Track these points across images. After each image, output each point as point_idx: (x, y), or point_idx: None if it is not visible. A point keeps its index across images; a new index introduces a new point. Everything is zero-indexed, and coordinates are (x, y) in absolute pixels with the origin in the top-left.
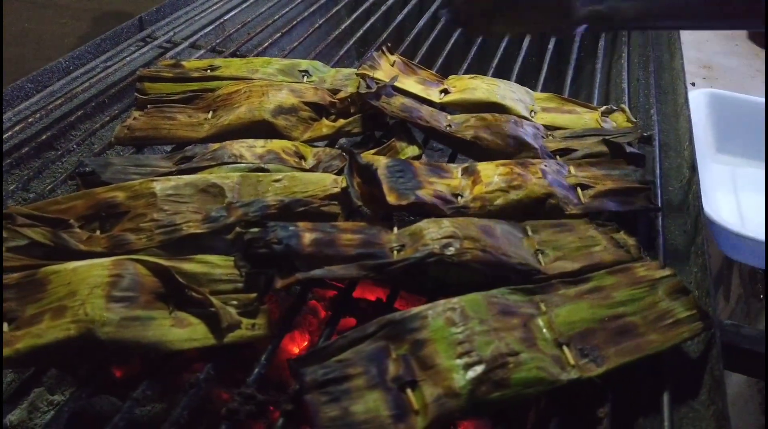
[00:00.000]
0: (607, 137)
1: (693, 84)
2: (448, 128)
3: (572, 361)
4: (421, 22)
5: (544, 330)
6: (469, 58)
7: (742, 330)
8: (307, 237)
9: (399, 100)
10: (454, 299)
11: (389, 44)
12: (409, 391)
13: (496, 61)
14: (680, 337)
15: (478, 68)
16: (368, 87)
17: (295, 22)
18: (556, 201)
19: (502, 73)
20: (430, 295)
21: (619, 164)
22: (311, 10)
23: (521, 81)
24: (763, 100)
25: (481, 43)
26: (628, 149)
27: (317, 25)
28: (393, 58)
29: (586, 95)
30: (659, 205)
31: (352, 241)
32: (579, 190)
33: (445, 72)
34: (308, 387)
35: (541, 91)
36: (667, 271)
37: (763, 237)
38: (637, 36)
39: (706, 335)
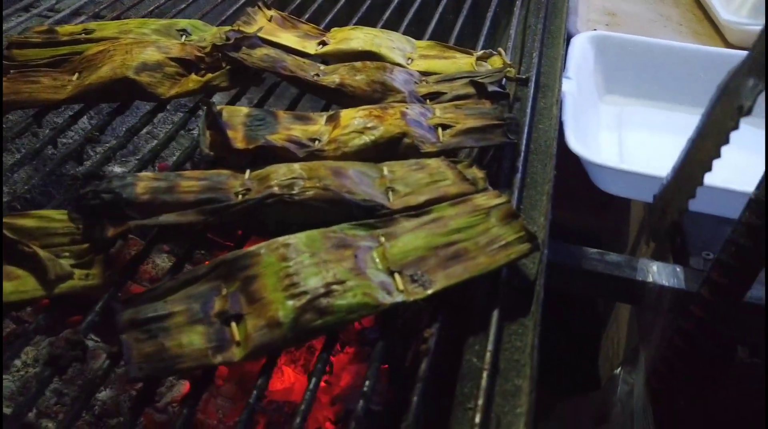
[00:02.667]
0: (473, 78)
1: (595, 29)
2: (315, 77)
3: (401, 287)
4: None
5: (377, 260)
6: (360, 11)
7: (606, 257)
8: (142, 185)
9: (261, 51)
10: (291, 236)
11: (265, 0)
12: (233, 324)
13: (410, 14)
14: (508, 258)
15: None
16: (227, 39)
17: None
18: (411, 140)
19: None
20: (274, 237)
21: (483, 104)
22: None
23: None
24: (652, 40)
25: None
26: (490, 88)
27: None
28: (270, 13)
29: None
30: (517, 140)
31: (192, 188)
32: (440, 130)
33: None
34: (124, 326)
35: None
36: (502, 199)
37: (639, 169)
38: None
39: (538, 257)
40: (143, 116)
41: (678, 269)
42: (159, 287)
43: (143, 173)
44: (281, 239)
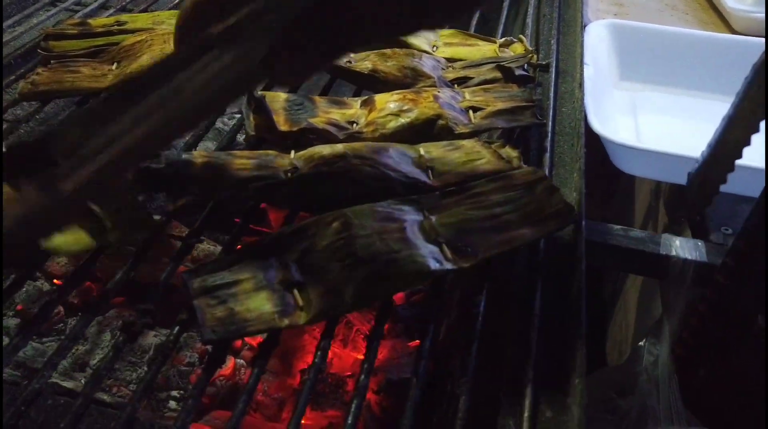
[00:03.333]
0: (500, 63)
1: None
2: (347, 64)
3: (449, 256)
4: None
5: (425, 231)
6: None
7: (630, 232)
8: (199, 161)
9: None
10: (340, 211)
11: None
12: (295, 291)
13: None
14: (548, 228)
15: None
16: None
17: None
18: (446, 122)
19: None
20: (322, 213)
21: (511, 87)
22: None
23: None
24: (664, 27)
25: None
26: (517, 72)
27: None
28: None
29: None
30: (545, 121)
31: (245, 165)
32: (471, 112)
33: None
34: (195, 294)
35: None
36: (540, 174)
37: (662, 148)
38: None
39: (575, 231)
40: None
41: (699, 243)
42: (222, 259)
43: (197, 152)
44: (332, 214)
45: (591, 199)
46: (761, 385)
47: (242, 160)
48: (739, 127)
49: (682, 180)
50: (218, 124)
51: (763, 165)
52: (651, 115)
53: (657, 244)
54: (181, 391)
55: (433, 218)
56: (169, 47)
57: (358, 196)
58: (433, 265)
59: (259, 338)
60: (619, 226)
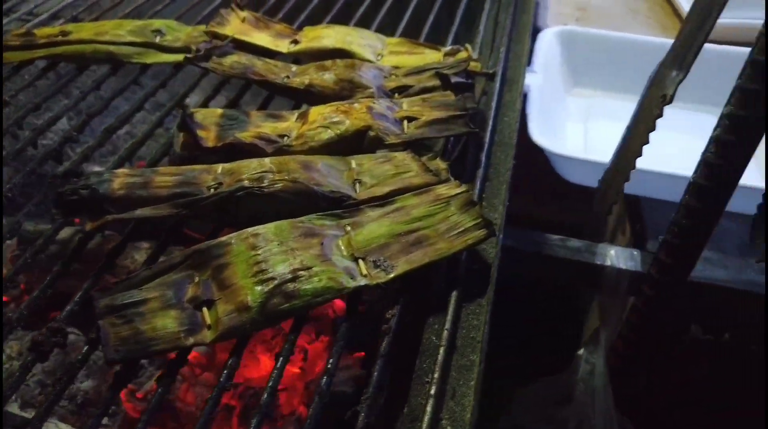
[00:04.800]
0: (437, 69)
1: (566, 24)
2: (285, 80)
3: (364, 272)
4: None
5: (342, 247)
6: (333, 10)
7: (568, 243)
8: (119, 181)
9: (232, 59)
10: (260, 226)
11: (239, 1)
12: (204, 309)
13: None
14: (466, 243)
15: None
16: (197, 50)
17: None
18: (376, 133)
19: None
20: (245, 228)
21: (449, 96)
22: None
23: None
24: (615, 33)
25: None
26: (454, 80)
27: None
28: (243, 14)
29: (446, 39)
30: (477, 130)
31: (166, 183)
32: (406, 122)
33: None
34: (101, 314)
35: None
36: (462, 189)
37: (593, 158)
38: None
39: (494, 242)
40: (120, 116)
41: (635, 253)
42: (134, 276)
43: (120, 170)
44: (251, 229)
45: (570, 204)
46: (697, 393)
47: (165, 177)
48: (640, 126)
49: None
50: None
51: (673, 170)
52: (602, 122)
53: (593, 253)
54: (114, 407)
55: (353, 233)
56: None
57: (281, 211)
58: (346, 281)
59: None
60: (557, 236)
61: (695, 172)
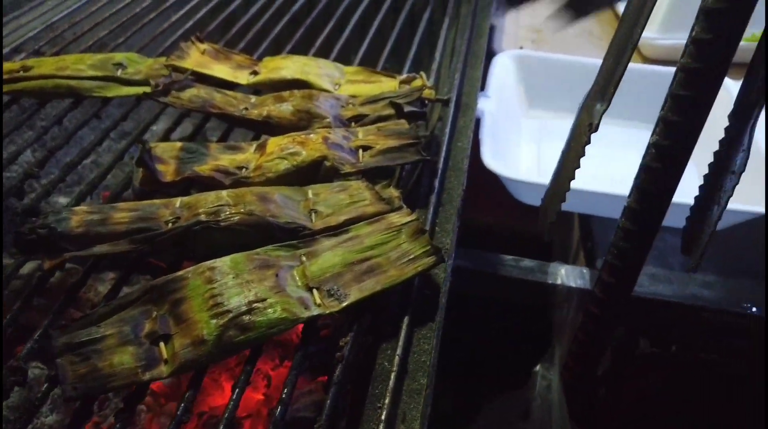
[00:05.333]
0: (391, 99)
1: (521, 47)
2: (243, 112)
3: (318, 301)
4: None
5: (297, 278)
6: (295, 37)
7: (521, 263)
8: (76, 219)
9: (191, 92)
10: (217, 260)
11: (198, 34)
12: (161, 344)
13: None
14: (415, 270)
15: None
16: (156, 86)
17: (124, 19)
18: (331, 162)
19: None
20: (203, 261)
21: (403, 124)
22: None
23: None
24: (568, 57)
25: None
26: (407, 109)
27: (148, 18)
28: (203, 46)
29: (404, 65)
30: (429, 157)
31: (124, 219)
32: (361, 151)
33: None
34: (59, 352)
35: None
36: (412, 217)
37: (542, 180)
38: (465, 5)
39: (444, 267)
40: (82, 151)
41: (584, 271)
42: (93, 313)
43: (78, 207)
44: (207, 263)
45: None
46: (650, 404)
47: (123, 213)
48: (572, 152)
49: (569, 207)
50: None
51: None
52: (556, 143)
53: (545, 273)
54: None
55: (308, 263)
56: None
57: (238, 243)
58: (300, 311)
59: (157, 384)
60: (511, 257)
61: (629, 196)
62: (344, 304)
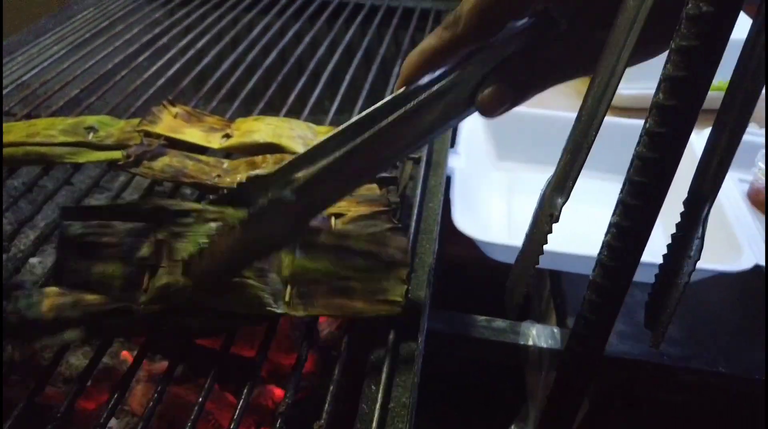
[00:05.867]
0: None
1: None
2: (216, 179)
3: (287, 299)
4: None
5: (284, 265)
6: (263, 100)
7: (493, 323)
8: (48, 303)
9: (163, 162)
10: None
11: (170, 98)
12: (148, 272)
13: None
14: (378, 312)
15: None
16: (128, 157)
17: (96, 76)
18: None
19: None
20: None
21: (373, 189)
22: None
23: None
24: (534, 110)
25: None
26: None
27: (120, 76)
28: (175, 110)
29: None
30: (401, 225)
31: (96, 300)
32: (333, 218)
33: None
34: (66, 238)
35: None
36: (403, 260)
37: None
38: None
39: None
40: (51, 222)
41: (555, 330)
42: (106, 208)
43: (50, 288)
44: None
45: None
46: None
47: (94, 295)
48: (534, 241)
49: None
50: None
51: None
52: (525, 196)
53: (517, 333)
54: None
55: (298, 254)
56: None
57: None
58: (268, 302)
59: None
60: (483, 318)
61: (600, 252)
62: (307, 312)
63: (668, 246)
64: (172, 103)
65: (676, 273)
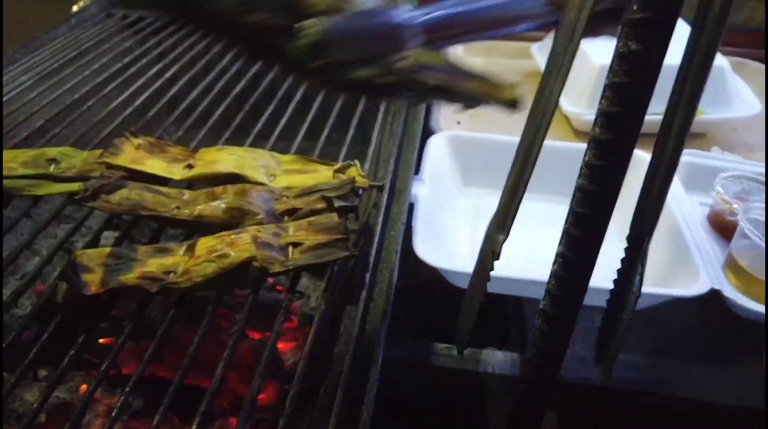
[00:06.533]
0: (322, 193)
1: (459, 122)
2: (175, 211)
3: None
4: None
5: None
6: (229, 130)
7: (452, 351)
8: None
9: (121, 195)
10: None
11: (133, 129)
12: None
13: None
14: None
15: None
16: (85, 191)
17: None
18: (260, 263)
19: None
20: None
21: (332, 218)
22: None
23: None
24: (498, 137)
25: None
26: (336, 204)
27: (86, 106)
28: (138, 141)
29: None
30: (357, 253)
31: None
32: (291, 248)
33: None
34: None
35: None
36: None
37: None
38: None
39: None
40: (12, 253)
41: (515, 357)
42: None
43: None
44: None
45: None
46: None
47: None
48: (477, 278)
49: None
50: None
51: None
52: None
53: (478, 361)
54: None
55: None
56: None
57: None
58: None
59: None
60: (444, 345)
61: (548, 281)
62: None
63: (614, 281)
64: (135, 134)
65: (622, 308)
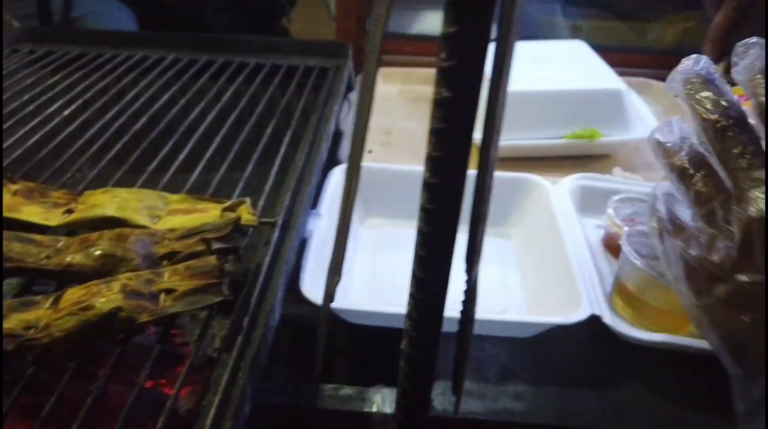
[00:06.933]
0: (202, 235)
1: (370, 151)
2: (44, 261)
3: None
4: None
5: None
6: (120, 171)
7: (340, 391)
8: None
9: None
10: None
11: (9, 174)
12: None
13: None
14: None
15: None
16: None
17: None
18: (126, 313)
19: None
20: None
21: (209, 261)
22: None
23: None
24: (401, 167)
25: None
26: (214, 246)
27: None
28: (16, 186)
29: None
30: (232, 297)
31: None
32: (163, 295)
33: None
34: None
35: None
36: None
37: (370, 307)
38: (313, 115)
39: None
40: None
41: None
42: None
43: None
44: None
45: None
46: None
47: None
48: (326, 296)
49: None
50: None
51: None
52: (392, 254)
53: (363, 400)
54: None
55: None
56: None
57: None
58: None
59: None
60: (331, 386)
61: (408, 304)
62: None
63: (460, 312)
64: (12, 180)
65: (465, 337)
